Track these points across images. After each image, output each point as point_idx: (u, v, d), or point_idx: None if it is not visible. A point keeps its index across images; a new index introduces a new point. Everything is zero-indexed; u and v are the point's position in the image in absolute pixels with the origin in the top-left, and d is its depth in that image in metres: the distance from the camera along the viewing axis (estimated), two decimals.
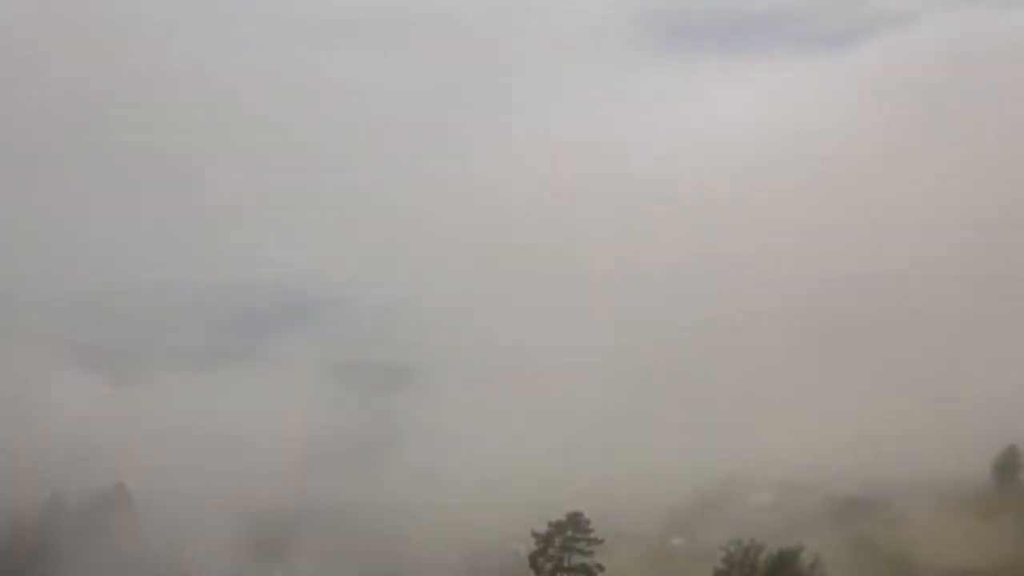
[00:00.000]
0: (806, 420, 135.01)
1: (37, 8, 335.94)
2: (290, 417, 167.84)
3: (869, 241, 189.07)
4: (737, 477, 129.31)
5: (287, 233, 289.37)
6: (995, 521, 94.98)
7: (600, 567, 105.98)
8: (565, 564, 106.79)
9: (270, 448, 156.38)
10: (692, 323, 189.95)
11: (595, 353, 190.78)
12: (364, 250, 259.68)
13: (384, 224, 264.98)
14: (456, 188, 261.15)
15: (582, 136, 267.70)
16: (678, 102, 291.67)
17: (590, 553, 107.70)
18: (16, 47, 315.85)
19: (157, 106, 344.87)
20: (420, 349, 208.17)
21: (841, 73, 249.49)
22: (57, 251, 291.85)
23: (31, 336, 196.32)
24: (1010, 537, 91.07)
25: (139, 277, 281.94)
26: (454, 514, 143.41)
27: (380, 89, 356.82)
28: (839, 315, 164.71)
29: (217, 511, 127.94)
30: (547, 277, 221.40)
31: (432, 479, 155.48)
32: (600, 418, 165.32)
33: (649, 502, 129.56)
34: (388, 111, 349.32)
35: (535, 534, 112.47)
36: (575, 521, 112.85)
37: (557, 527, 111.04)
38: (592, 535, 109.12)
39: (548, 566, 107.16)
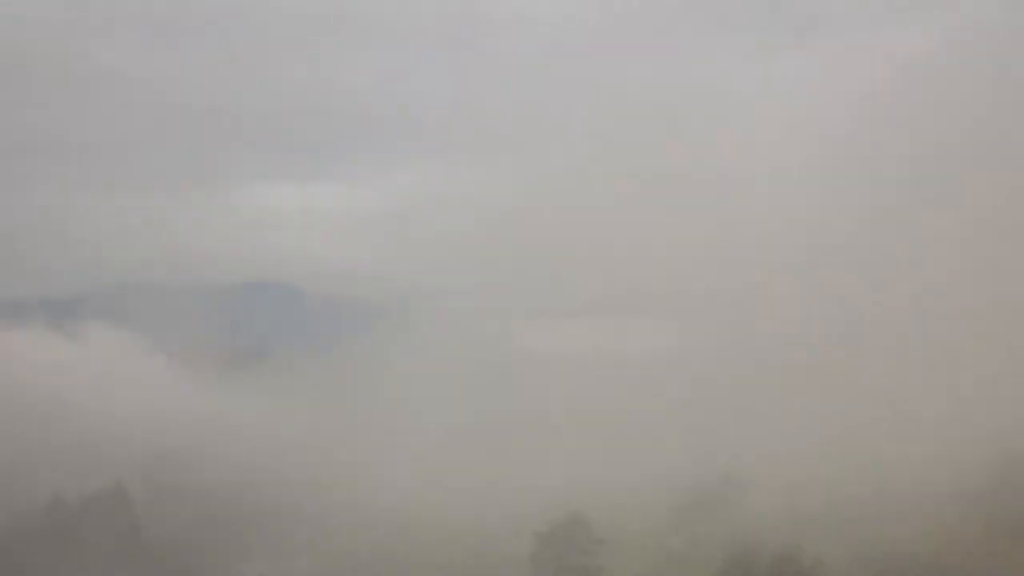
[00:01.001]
0: (806, 420, 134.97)
1: None
2: None
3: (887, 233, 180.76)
4: (737, 477, 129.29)
5: None
6: (995, 521, 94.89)
7: (600, 567, 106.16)
8: (565, 564, 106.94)
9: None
10: (692, 323, 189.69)
11: (596, 353, 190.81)
12: None
13: None
14: None
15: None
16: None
17: (591, 553, 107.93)
18: None
19: None
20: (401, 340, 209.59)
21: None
22: None
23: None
24: (1010, 537, 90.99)
25: None
26: (454, 514, 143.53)
27: None
28: (841, 314, 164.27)
29: None
30: (549, 272, 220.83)
31: (431, 480, 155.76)
32: (600, 418, 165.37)
33: (649, 502, 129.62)
34: None
35: (535, 534, 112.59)
36: (575, 521, 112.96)
37: (557, 527, 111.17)
38: (592, 535, 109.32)
39: (548, 566, 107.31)
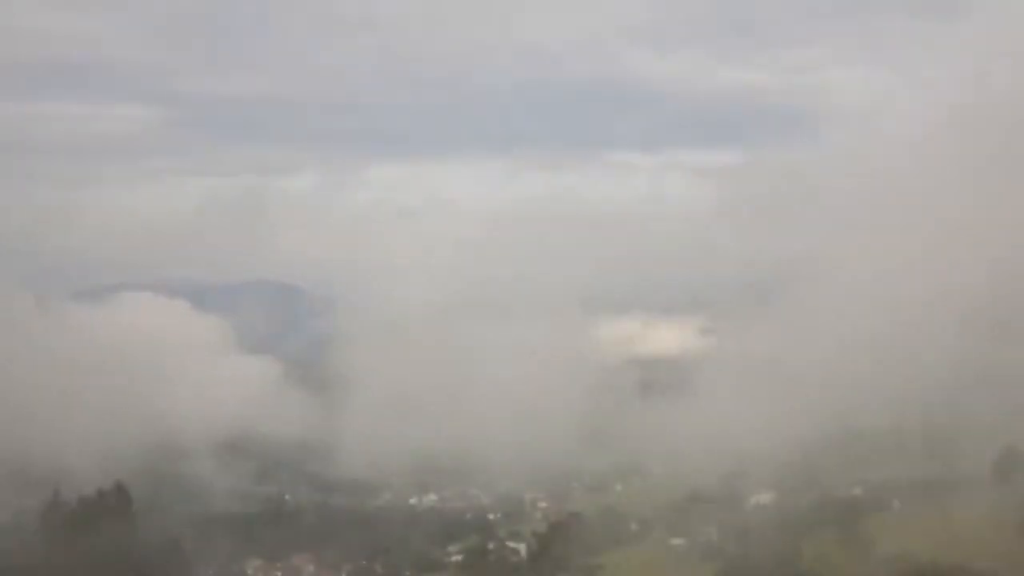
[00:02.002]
0: (806, 419, 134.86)
1: None
2: None
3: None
4: (737, 477, 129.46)
5: None
6: (995, 521, 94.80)
7: (600, 567, 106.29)
8: (565, 564, 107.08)
9: None
10: (693, 323, 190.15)
11: (597, 353, 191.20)
12: None
13: None
14: None
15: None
16: None
17: (591, 553, 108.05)
18: None
19: None
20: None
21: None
22: None
23: None
24: (1010, 537, 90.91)
25: None
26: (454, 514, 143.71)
27: None
28: (842, 313, 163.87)
29: None
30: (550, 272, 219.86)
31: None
32: (600, 418, 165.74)
33: (649, 502, 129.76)
34: None
35: (535, 534, 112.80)
36: (575, 521, 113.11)
37: (557, 527, 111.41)
38: (592, 535, 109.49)
39: (548, 566, 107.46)
